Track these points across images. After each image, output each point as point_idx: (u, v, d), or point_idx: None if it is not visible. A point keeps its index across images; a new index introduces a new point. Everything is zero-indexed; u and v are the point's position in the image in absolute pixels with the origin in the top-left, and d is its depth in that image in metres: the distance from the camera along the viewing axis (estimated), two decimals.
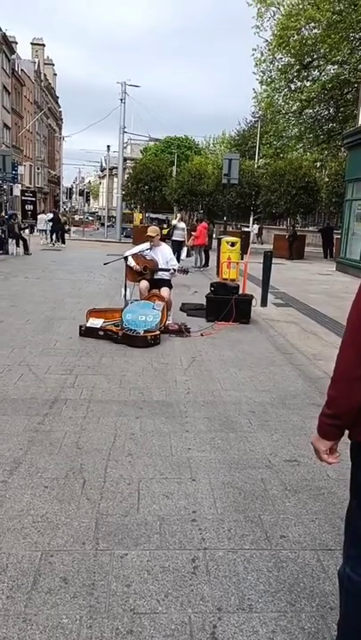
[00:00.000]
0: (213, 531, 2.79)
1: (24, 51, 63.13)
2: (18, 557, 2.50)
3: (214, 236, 21.48)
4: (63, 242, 25.15)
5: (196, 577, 2.43)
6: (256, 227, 36.24)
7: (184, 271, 8.05)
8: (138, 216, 24.07)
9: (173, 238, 17.54)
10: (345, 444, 1.72)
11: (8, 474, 3.27)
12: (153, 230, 7.95)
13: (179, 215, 20.08)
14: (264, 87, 28.63)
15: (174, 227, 17.91)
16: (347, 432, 1.69)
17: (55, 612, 2.17)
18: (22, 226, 20.21)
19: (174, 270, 7.84)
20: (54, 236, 24.94)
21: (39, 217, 28.23)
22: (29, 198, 21.82)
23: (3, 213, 18.74)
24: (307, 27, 25.85)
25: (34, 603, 2.22)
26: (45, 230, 26.49)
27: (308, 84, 27.95)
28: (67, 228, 30.38)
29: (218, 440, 3.93)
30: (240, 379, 5.49)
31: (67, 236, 28.61)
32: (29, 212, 21.28)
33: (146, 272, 7.75)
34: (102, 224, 50.07)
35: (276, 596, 2.33)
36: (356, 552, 1.73)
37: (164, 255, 7.87)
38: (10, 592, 2.27)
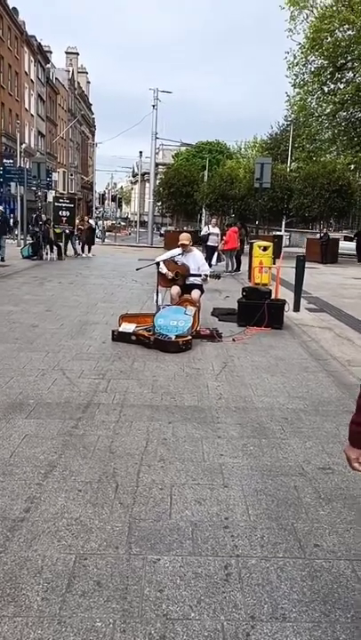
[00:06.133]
0: (246, 538, 2.77)
1: (58, 59, 64.46)
2: (53, 560, 2.54)
3: (246, 240, 21.30)
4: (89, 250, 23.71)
5: (228, 584, 2.42)
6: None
7: (216, 276, 8.04)
8: None
9: (208, 244, 17.54)
10: None
11: (43, 477, 3.33)
12: (186, 238, 7.95)
13: (214, 220, 19.95)
14: (297, 90, 28.46)
15: (209, 233, 17.89)
16: None
17: (89, 615, 2.20)
18: (58, 231, 20.37)
19: (206, 276, 7.83)
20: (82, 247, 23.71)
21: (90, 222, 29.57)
22: (65, 204, 21.96)
23: (35, 216, 18.97)
24: (341, 29, 25.60)
25: (68, 605, 2.25)
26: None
27: (341, 86, 27.63)
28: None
29: (250, 446, 3.91)
30: (272, 385, 5.44)
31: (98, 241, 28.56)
32: (64, 219, 21.43)
33: (178, 278, 7.78)
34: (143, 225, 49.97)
35: (311, 606, 2.30)
36: None
37: (195, 261, 7.86)
38: (45, 594, 2.31)
